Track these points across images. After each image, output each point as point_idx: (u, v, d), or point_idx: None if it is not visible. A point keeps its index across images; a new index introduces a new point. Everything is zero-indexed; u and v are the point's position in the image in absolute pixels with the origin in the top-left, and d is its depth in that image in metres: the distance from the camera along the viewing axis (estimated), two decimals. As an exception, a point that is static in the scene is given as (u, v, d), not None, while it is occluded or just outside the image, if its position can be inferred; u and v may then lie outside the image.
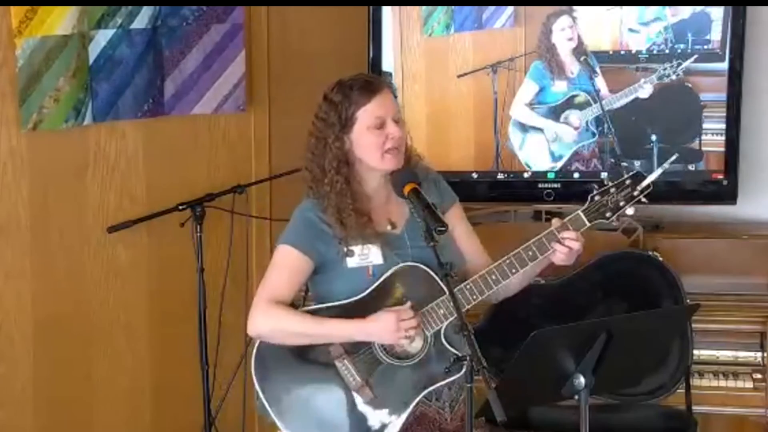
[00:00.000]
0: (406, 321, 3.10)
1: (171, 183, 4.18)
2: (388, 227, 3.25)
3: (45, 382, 3.97)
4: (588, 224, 3.14)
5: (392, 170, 3.19)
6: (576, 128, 4.34)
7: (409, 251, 3.20)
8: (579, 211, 3.14)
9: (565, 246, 3.13)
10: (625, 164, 4.34)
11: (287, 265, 3.21)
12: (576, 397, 3.01)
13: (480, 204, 4.37)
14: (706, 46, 4.28)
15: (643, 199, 3.13)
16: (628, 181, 3.13)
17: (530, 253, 3.14)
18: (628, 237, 4.18)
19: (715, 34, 4.26)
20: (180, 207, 4.08)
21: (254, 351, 3.22)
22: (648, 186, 3.11)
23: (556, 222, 3.17)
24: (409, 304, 3.14)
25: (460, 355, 3.06)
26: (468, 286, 3.15)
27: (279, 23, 4.46)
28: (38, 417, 3.96)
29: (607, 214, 3.12)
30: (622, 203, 3.12)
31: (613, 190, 3.12)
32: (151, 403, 4.23)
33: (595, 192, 3.13)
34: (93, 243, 4.06)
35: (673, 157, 3.16)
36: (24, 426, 3.94)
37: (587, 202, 3.14)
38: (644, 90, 4.29)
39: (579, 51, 4.32)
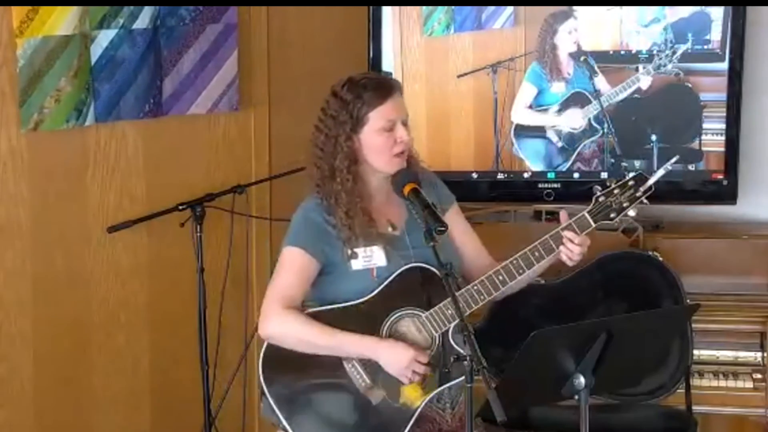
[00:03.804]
0: (419, 365, 3.09)
1: (171, 183, 4.17)
2: (389, 228, 3.23)
3: (45, 382, 3.96)
4: (593, 225, 3.15)
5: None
6: (581, 119, 4.34)
7: (411, 252, 3.19)
8: (585, 212, 3.14)
9: (568, 248, 3.13)
10: (625, 164, 4.35)
11: (295, 267, 3.17)
12: (576, 397, 3.00)
13: (480, 204, 4.37)
14: (706, 46, 4.27)
15: (645, 200, 3.15)
16: (631, 182, 3.14)
17: (536, 254, 3.14)
18: (628, 237, 4.18)
19: (715, 34, 4.25)
20: (180, 207, 4.08)
21: (262, 353, 3.20)
22: (650, 187, 3.12)
23: (563, 217, 3.16)
24: (428, 351, 3.13)
25: (462, 355, 3.06)
26: (475, 287, 3.14)
27: (279, 23, 4.46)
28: (38, 417, 3.96)
29: (612, 215, 3.13)
30: (626, 204, 3.13)
31: (617, 191, 3.13)
32: (151, 403, 4.23)
33: (599, 193, 3.14)
34: (93, 243, 4.05)
35: (675, 159, 3.18)
36: (24, 426, 3.94)
37: (592, 204, 3.14)
38: (643, 81, 4.28)
39: (577, 53, 4.32)
